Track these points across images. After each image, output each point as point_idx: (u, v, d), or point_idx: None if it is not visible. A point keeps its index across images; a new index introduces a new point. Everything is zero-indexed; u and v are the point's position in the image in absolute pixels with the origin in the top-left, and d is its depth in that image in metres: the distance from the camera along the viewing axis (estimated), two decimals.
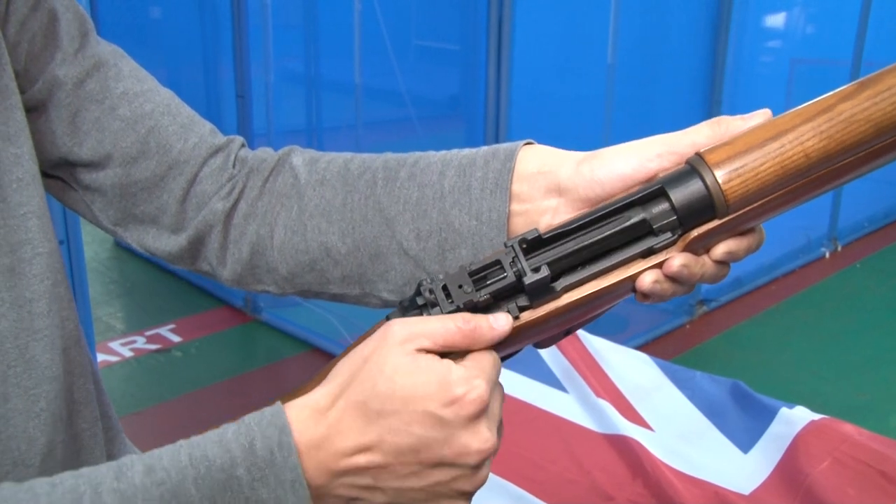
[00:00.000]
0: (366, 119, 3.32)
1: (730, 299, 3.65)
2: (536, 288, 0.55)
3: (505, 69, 2.59)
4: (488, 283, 0.55)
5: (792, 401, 1.40)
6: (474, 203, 0.65)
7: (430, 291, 0.56)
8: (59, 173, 0.73)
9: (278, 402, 0.53)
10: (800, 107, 0.54)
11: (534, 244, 0.56)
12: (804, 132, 0.53)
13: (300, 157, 0.74)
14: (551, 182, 0.62)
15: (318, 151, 0.75)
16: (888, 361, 3.16)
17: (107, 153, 0.71)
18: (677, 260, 0.55)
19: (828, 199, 4.28)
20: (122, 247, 4.19)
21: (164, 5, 3.86)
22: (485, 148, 0.67)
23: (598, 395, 1.40)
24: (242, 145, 0.77)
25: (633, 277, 0.56)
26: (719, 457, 1.28)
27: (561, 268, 0.57)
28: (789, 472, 1.22)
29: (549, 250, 0.57)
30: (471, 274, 0.56)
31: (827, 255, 4.26)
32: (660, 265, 0.56)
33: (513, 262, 0.55)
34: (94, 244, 4.14)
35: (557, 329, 0.59)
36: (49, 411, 0.64)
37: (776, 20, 3.96)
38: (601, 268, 0.56)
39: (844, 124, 0.52)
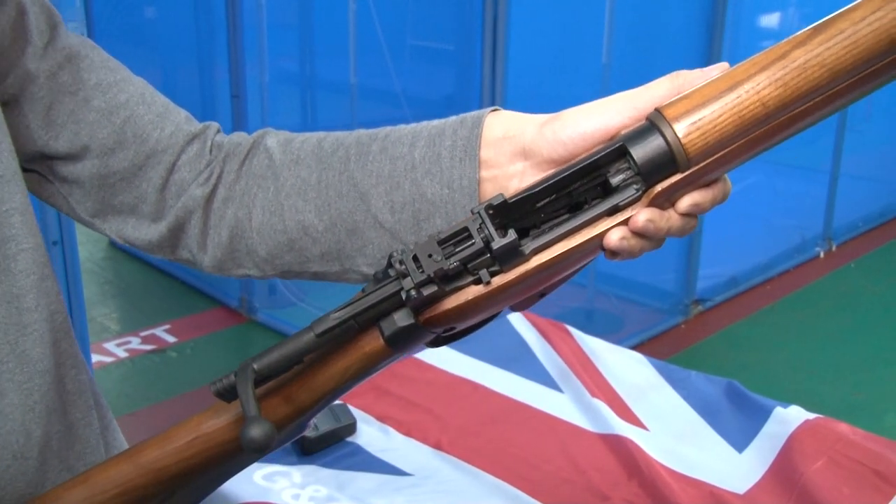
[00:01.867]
0: (361, 119, 3.32)
1: (725, 299, 3.66)
2: (505, 252, 0.56)
3: (500, 69, 2.59)
4: (457, 250, 0.56)
5: (787, 400, 1.41)
6: (445, 172, 0.65)
7: (401, 262, 0.56)
8: (34, 167, 0.73)
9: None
10: (755, 55, 0.55)
11: (500, 209, 0.56)
12: (760, 81, 0.53)
13: (274, 138, 0.74)
14: (516, 146, 0.63)
15: (292, 133, 0.75)
16: (883, 361, 3.17)
17: (83, 145, 0.71)
18: (642, 215, 0.55)
19: (822, 199, 4.29)
20: (116, 247, 4.18)
21: (158, 5, 3.86)
22: (453, 118, 0.68)
23: (593, 394, 1.40)
24: (218, 131, 0.77)
25: (601, 236, 0.56)
26: (714, 456, 1.28)
27: (528, 231, 0.58)
28: (784, 471, 1.22)
29: (517, 214, 0.57)
30: (440, 242, 0.56)
31: (822, 254, 4.27)
32: (626, 222, 0.56)
33: (480, 228, 0.56)
34: (88, 244, 4.14)
35: (532, 290, 0.59)
36: (43, 404, 0.65)
37: (771, 20, 3.97)
38: (568, 228, 0.56)
39: (799, 71, 0.52)
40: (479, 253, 0.56)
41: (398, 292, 0.57)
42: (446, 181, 0.65)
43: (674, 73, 0.59)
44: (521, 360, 1.53)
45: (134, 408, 2.77)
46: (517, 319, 1.64)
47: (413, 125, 0.70)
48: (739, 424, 1.35)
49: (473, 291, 0.57)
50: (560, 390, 1.45)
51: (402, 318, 0.58)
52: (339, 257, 0.71)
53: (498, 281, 0.57)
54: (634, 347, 2.55)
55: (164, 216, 0.74)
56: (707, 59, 3.18)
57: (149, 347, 3.23)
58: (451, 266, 0.55)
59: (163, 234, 0.74)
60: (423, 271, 0.55)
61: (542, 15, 2.85)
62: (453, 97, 3.14)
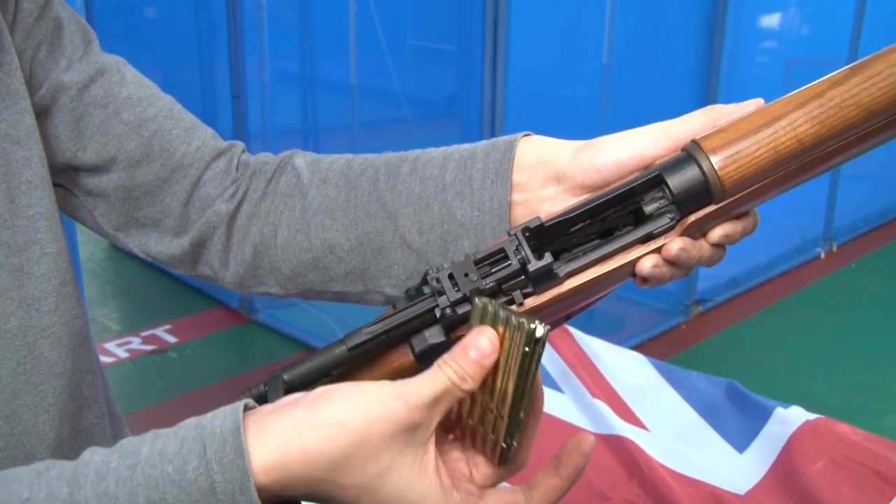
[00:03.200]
0: (361, 119, 3.32)
1: (725, 299, 3.65)
2: (540, 275, 0.56)
3: (500, 69, 2.59)
4: (493, 271, 0.56)
5: (787, 401, 1.41)
6: (476, 194, 0.66)
7: (437, 280, 0.56)
8: (60, 180, 0.74)
9: (241, 437, 0.48)
10: (792, 93, 0.56)
11: (536, 232, 0.57)
12: (796, 118, 0.54)
13: (302, 158, 0.75)
14: (550, 171, 0.64)
15: (319, 154, 0.76)
16: (883, 361, 3.17)
17: (111, 157, 0.72)
18: (676, 244, 0.56)
19: (823, 199, 4.29)
20: (117, 248, 4.18)
21: (159, 5, 3.86)
22: (484, 142, 0.68)
23: (593, 395, 1.40)
24: (243, 150, 0.79)
25: (634, 262, 0.57)
26: (715, 457, 1.28)
27: (563, 254, 0.58)
28: (784, 471, 1.22)
29: (551, 238, 0.58)
30: (476, 262, 0.57)
31: (822, 255, 4.27)
32: (658, 249, 0.57)
33: (516, 249, 0.56)
34: (89, 245, 4.14)
35: (559, 313, 0.60)
36: (57, 406, 0.65)
37: (771, 20, 3.97)
38: (602, 253, 0.57)
39: (835, 109, 0.54)
40: (515, 274, 0.56)
41: (432, 309, 0.57)
42: (477, 203, 0.66)
43: (709, 107, 0.60)
44: None
45: (135, 408, 2.78)
46: None
47: (444, 148, 0.70)
48: (740, 425, 1.36)
49: None
50: (561, 390, 1.45)
51: (433, 335, 0.58)
52: (362, 277, 0.71)
53: (531, 302, 0.58)
54: (635, 348, 2.55)
55: (187, 231, 0.74)
56: (707, 60, 3.18)
57: (149, 347, 3.23)
58: (487, 286, 0.56)
59: (185, 249, 0.75)
60: (458, 290, 0.56)
61: (543, 15, 2.85)
62: (454, 97, 3.14)
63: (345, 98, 3.29)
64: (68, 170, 0.73)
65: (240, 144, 0.78)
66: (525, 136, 0.67)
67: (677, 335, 3.37)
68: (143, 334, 3.33)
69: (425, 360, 0.59)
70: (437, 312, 0.56)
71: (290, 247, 0.72)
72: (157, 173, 0.73)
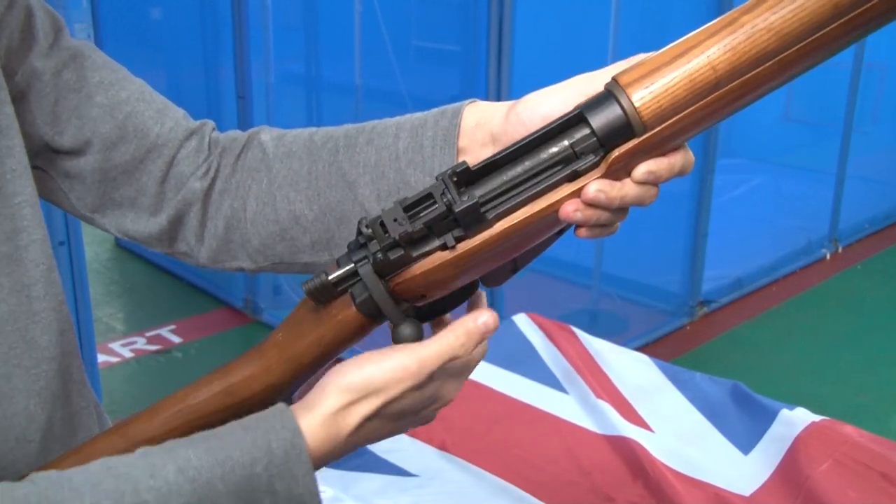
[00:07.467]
0: (366, 120, 3.32)
1: (730, 300, 3.65)
2: (467, 214, 0.57)
3: (505, 70, 2.59)
4: (422, 214, 0.58)
5: (792, 402, 1.40)
6: (427, 161, 0.69)
7: (367, 226, 0.58)
8: (38, 163, 0.75)
9: (282, 405, 0.58)
10: (707, 24, 0.57)
11: (463, 176, 0.58)
12: (709, 46, 0.55)
13: (268, 133, 0.78)
14: (486, 132, 0.67)
15: (285, 129, 0.79)
16: (888, 363, 3.16)
17: (87, 140, 0.73)
18: (593, 186, 0.57)
19: (828, 201, 4.29)
20: (122, 247, 4.19)
21: (164, 6, 3.86)
22: (435, 110, 0.72)
23: (598, 396, 1.40)
24: (213, 129, 0.81)
25: (562, 201, 0.58)
26: (719, 458, 1.28)
27: (492, 198, 0.59)
28: (790, 473, 1.22)
29: (479, 183, 0.59)
30: (405, 209, 0.58)
31: (827, 256, 4.26)
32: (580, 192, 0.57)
33: (443, 193, 0.57)
34: (94, 245, 4.14)
35: (499, 260, 0.61)
36: (49, 389, 0.67)
37: None
38: (529, 194, 0.58)
39: (746, 35, 0.54)
40: (443, 216, 0.57)
41: (366, 257, 0.59)
42: (428, 169, 0.69)
43: (633, 57, 0.61)
44: (526, 362, 1.53)
45: (139, 408, 2.77)
46: (522, 321, 1.64)
47: (398, 118, 0.74)
48: (745, 426, 1.35)
49: (439, 257, 0.59)
50: (565, 391, 1.45)
51: (372, 285, 0.60)
52: (328, 247, 0.74)
53: (463, 246, 0.59)
54: (639, 349, 2.55)
55: (164, 209, 0.77)
56: None
57: (154, 348, 3.24)
58: (416, 229, 0.57)
59: (162, 227, 0.77)
60: (389, 235, 0.57)
61: (548, 16, 2.85)
62: (458, 98, 3.11)
63: (349, 99, 3.29)
64: (46, 152, 0.74)
65: (210, 123, 0.80)
66: (471, 102, 0.70)
67: (682, 336, 3.37)
68: (148, 334, 3.34)
69: (366, 310, 0.61)
70: (370, 259, 0.58)
71: (259, 219, 0.75)
72: (132, 154, 0.75)
